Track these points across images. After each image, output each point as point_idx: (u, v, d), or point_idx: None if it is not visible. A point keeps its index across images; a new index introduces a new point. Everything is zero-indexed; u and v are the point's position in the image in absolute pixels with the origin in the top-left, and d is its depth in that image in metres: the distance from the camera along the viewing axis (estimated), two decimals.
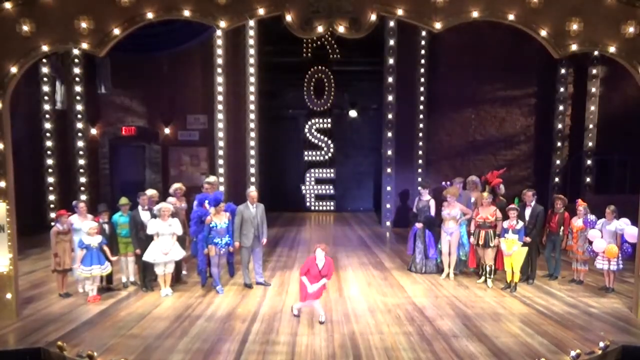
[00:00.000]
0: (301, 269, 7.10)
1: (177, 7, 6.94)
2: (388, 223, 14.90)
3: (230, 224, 8.27)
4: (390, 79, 14.49)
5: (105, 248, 7.95)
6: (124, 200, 8.48)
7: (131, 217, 8.29)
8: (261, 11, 7.03)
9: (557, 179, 14.77)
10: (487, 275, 8.70)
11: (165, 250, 7.97)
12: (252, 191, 8.67)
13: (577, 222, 8.64)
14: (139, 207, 8.41)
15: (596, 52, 7.31)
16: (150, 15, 6.94)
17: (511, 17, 7.02)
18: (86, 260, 7.73)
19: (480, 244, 8.59)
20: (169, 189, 9.33)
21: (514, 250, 8.17)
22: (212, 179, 9.54)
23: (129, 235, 8.30)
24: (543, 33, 7.04)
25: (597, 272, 8.77)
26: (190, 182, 10.48)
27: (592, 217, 8.43)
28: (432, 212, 9.31)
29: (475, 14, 7.05)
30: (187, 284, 8.84)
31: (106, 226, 8.21)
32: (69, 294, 8.09)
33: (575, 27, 6.94)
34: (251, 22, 13.48)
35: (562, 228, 8.87)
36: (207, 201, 8.48)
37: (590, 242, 8.33)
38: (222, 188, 10.12)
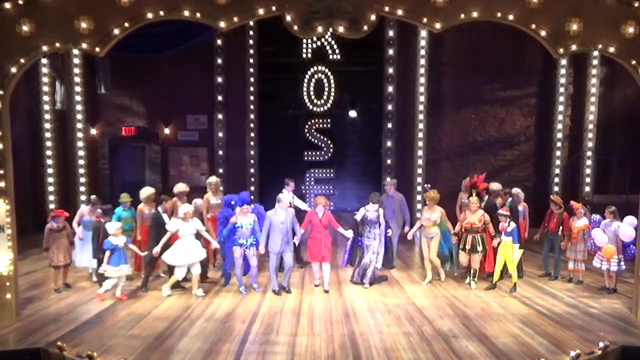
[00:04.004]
0: (302, 225, 8.33)
1: (177, 7, 6.94)
2: None
3: (255, 225, 8.17)
4: (390, 80, 14.47)
5: (132, 246, 8.11)
6: (125, 197, 8.78)
7: (155, 217, 8.34)
8: (261, 11, 7.03)
9: (557, 179, 14.76)
10: (472, 278, 8.62)
11: (188, 251, 7.96)
12: (285, 196, 8.46)
13: (578, 223, 8.63)
14: (160, 209, 8.45)
15: (596, 52, 7.29)
16: (150, 16, 6.93)
17: (511, 17, 7.03)
18: (114, 261, 7.83)
19: (467, 249, 8.46)
20: (173, 190, 9.36)
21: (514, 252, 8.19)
22: (212, 179, 9.56)
23: (129, 230, 8.62)
24: (543, 33, 7.04)
25: (597, 272, 8.77)
26: (190, 183, 10.44)
27: (597, 217, 8.51)
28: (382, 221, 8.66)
29: (475, 14, 7.06)
30: (185, 289, 8.71)
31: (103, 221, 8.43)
32: (61, 289, 8.37)
33: (575, 27, 6.94)
34: (251, 23, 13.46)
35: (561, 228, 8.88)
36: (232, 202, 8.41)
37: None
38: (221, 188, 10.11)
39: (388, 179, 10.28)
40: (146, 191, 8.90)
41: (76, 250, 8.62)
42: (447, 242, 9.06)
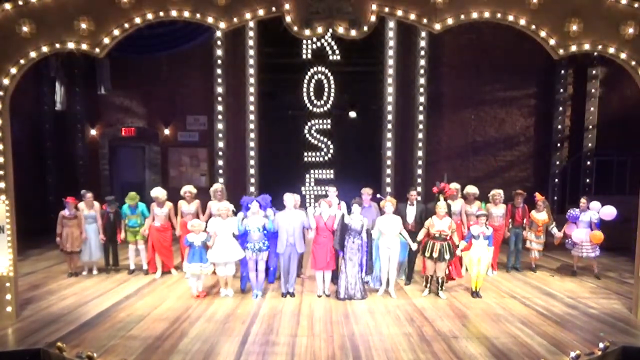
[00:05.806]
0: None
1: (177, 8, 6.94)
2: None
3: (266, 229, 8.06)
4: (390, 79, 14.47)
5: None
6: (133, 196, 9.43)
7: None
8: (261, 12, 7.03)
9: (556, 180, 14.75)
10: (440, 287, 8.28)
11: (226, 249, 8.01)
12: (293, 196, 8.25)
13: (540, 216, 9.27)
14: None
15: (596, 53, 7.29)
16: (150, 16, 6.93)
17: (511, 17, 7.02)
18: (195, 258, 7.98)
19: (435, 257, 8.07)
20: (181, 192, 9.49)
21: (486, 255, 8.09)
22: (217, 186, 9.43)
23: (136, 226, 9.39)
24: (542, 34, 7.04)
25: (589, 270, 8.85)
26: (190, 184, 10.44)
27: (575, 211, 9.06)
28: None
29: (474, 15, 7.05)
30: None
31: (111, 215, 9.50)
32: (77, 273, 9.40)
33: (575, 27, 6.94)
34: (251, 23, 13.47)
35: (525, 220, 9.47)
36: (248, 204, 8.24)
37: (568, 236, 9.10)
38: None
39: (366, 189, 9.30)
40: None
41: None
42: (403, 252, 8.56)
